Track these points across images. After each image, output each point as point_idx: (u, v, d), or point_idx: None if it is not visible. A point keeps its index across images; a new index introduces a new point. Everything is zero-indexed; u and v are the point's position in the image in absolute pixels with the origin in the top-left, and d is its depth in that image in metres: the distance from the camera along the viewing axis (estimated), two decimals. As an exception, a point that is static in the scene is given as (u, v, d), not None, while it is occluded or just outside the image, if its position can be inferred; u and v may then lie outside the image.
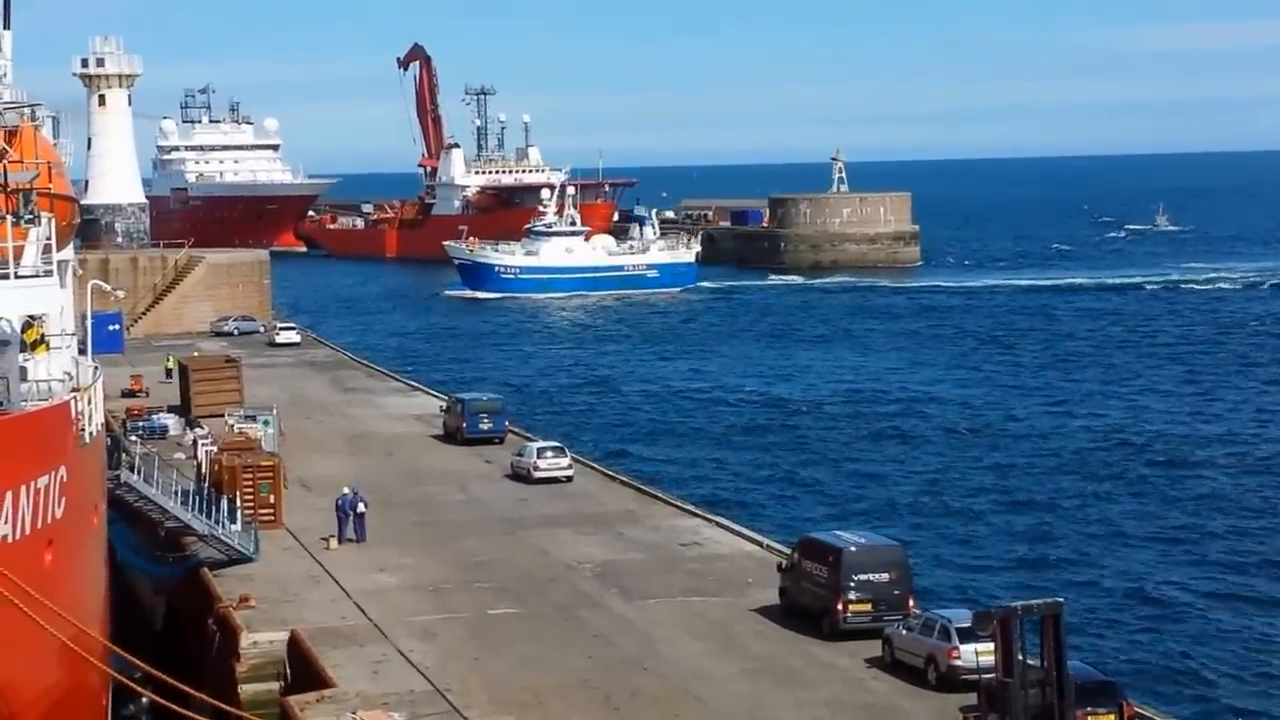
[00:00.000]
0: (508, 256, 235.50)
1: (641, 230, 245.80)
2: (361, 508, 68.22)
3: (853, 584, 52.52)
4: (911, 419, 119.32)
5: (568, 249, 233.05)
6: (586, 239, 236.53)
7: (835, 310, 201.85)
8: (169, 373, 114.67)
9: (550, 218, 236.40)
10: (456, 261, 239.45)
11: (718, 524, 71.16)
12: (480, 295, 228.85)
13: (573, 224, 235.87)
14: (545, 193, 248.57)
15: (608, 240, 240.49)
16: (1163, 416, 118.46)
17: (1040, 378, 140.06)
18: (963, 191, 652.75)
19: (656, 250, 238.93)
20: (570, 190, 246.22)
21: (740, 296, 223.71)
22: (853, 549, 53.37)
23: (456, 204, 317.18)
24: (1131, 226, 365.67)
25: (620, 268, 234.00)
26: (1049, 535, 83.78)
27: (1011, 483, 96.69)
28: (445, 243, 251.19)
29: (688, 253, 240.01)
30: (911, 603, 52.68)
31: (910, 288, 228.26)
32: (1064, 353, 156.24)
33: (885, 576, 52.78)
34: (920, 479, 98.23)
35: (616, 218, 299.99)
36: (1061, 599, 44.51)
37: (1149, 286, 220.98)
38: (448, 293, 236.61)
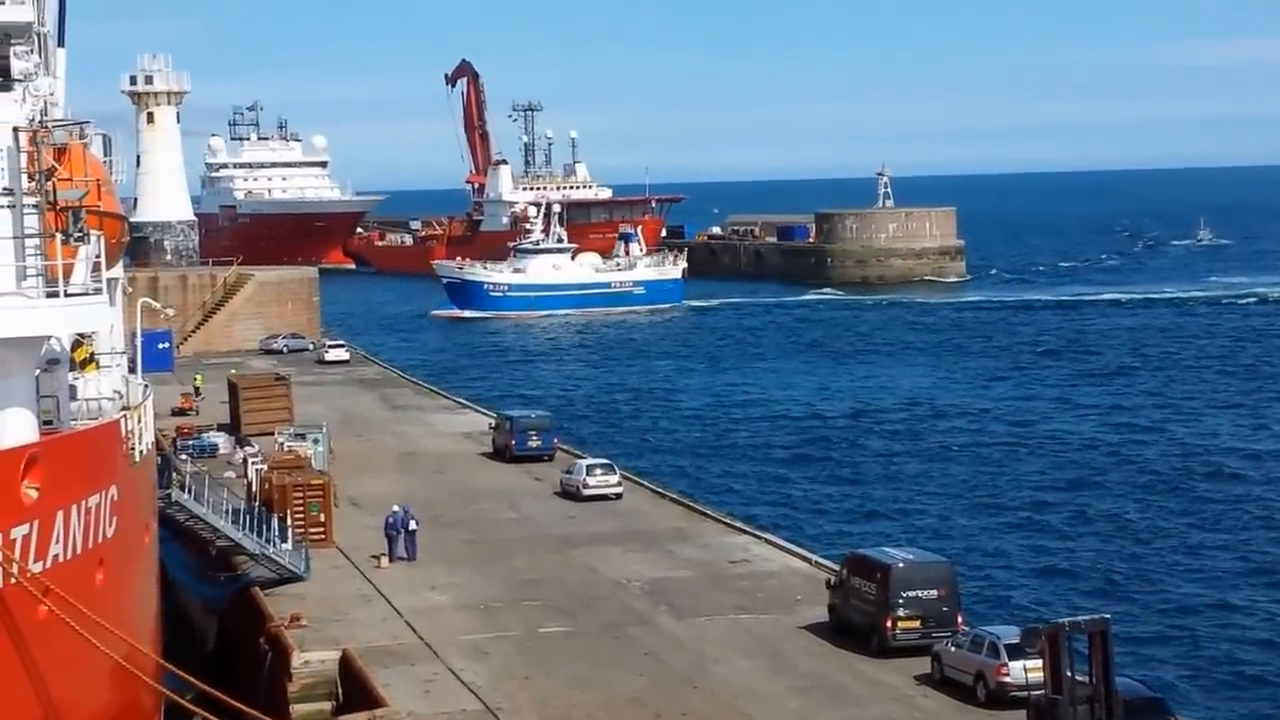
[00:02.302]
0: (496, 274, 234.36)
1: (628, 247, 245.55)
2: (413, 525, 68.43)
3: (901, 601, 52.52)
4: (958, 434, 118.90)
5: (555, 266, 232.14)
6: (573, 256, 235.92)
7: (873, 325, 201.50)
8: (197, 391, 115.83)
9: (537, 235, 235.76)
10: (445, 280, 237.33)
11: (766, 541, 71.17)
12: (467, 314, 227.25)
13: (559, 241, 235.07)
14: (532, 210, 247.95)
15: (594, 257, 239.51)
16: (1212, 430, 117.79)
17: (1086, 392, 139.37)
18: (1009, 206, 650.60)
19: (643, 267, 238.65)
20: (556, 208, 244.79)
21: (719, 315, 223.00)
22: (901, 565, 53.38)
23: (504, 220, 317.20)
24: (1139, 238, 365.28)
25: (607, 285, 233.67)
26: (1097, 551, 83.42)
27: (1060, 498, 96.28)
28: (434, 262, 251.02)
29: (674, 270, 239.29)
30: (960, 619, 52.68)
31: (956, 302, 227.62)
32: (1110, 367, 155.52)
33: (934, 593, 52.77)
34: (967, 494, 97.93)
35: (665, 233, 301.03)
36: (1109, 615, 44.50)
37: (1192, 301, 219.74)
38: (435, 313, 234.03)
